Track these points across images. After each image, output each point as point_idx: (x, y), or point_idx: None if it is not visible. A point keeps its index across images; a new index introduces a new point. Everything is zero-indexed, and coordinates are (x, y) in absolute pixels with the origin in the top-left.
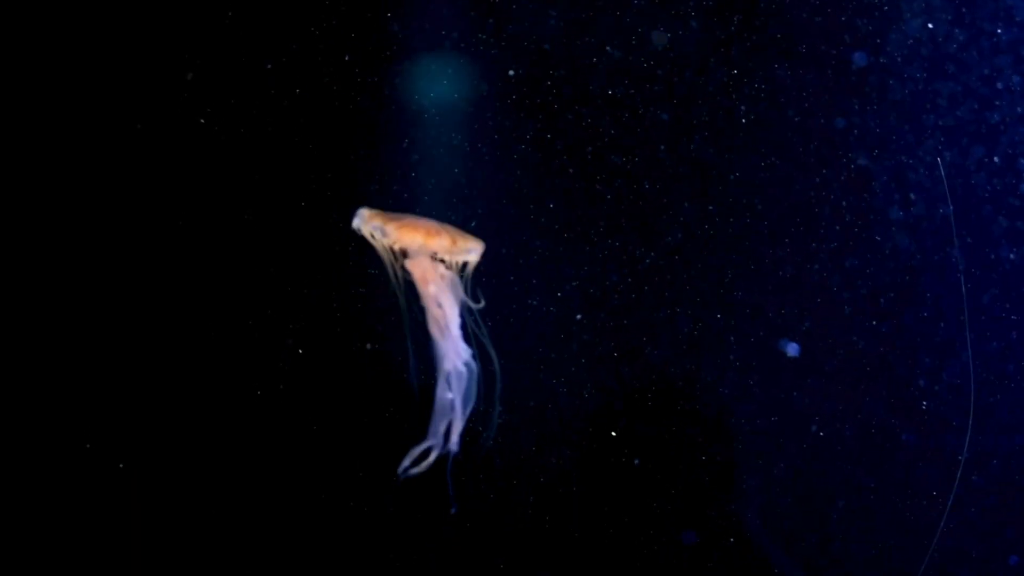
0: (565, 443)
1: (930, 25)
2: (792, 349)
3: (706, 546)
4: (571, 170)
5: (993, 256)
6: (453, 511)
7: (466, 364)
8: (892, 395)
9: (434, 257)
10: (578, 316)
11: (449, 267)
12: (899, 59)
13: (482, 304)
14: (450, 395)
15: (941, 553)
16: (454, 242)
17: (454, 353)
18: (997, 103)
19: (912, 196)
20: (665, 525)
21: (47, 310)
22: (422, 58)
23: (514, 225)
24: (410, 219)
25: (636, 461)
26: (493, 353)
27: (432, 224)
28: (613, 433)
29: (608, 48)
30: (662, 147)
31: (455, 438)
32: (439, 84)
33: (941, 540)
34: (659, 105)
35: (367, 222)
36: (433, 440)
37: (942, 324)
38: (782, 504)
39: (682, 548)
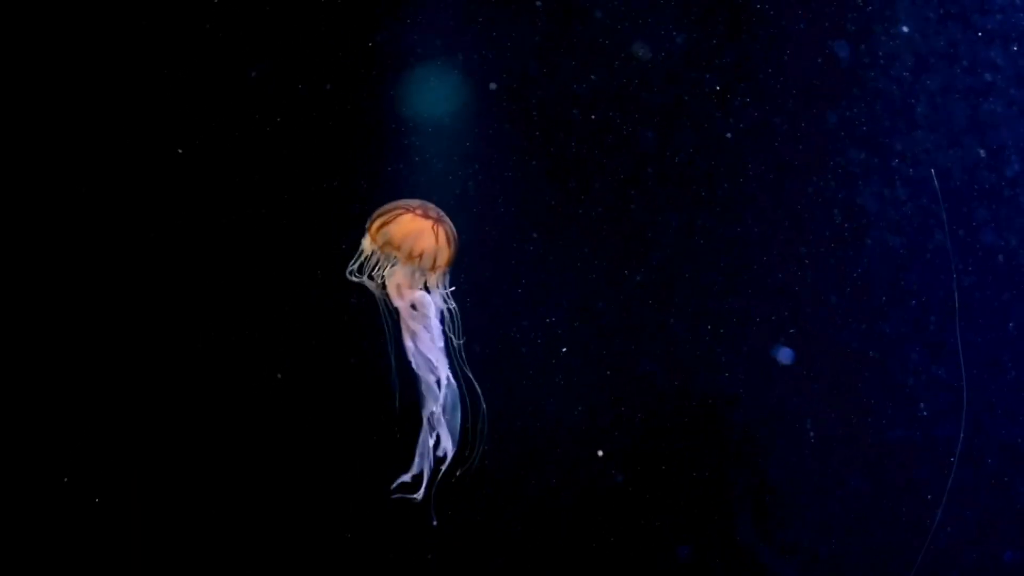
0: (555, 461)
1: (905, 29)
2: (784, 356)
3: (703, 560)
4: (555, 196)
5: (982, 252)
6: (434, 523)
7: (445, 378)
8: (886, 396)
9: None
10: (563, 349)
11: (427, 281)
12: (885, 58)
13: (459, 332)
14: (431, 408)
15: (935, 552)
16: (433, 265)
17: (432, 366)
18: (985, 95)
19: (900, 196)
20: (660, 540)
21: (32, 316)
22: (403, 83)
23: (500, 246)
24: (405, 219)
25: (619, 479)
26: (469, 371)
27: (426, 221)
28: (600, 452)
29: (592, 76)
30: (649, 169)
31: (447, 453)
32: (423, 106)
33: (935, 539)
34: (644, 123)
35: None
36: (420, 458)
37: (933, 318)
38: (776, 511)
39: (679, 563)
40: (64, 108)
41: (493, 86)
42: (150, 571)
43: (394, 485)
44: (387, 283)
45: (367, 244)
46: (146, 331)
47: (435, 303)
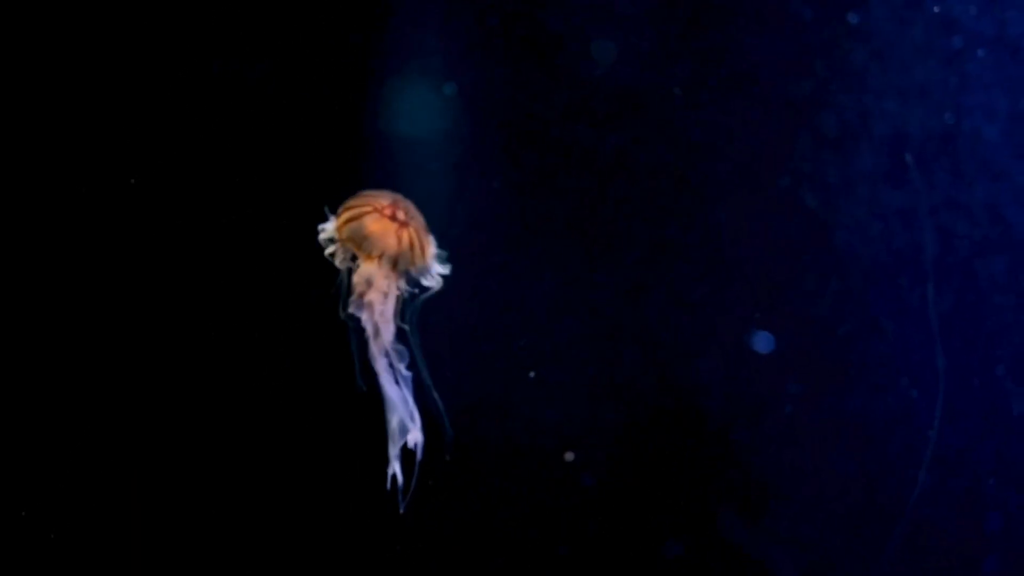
0: (531, 464)
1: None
2: (762, 344)
3: (690, 556)
4: (522, 199)
5: (956, 224)
6: (401, 511)
7: (403, 373)
8: (866, 374)
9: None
10: (531, 374)
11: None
12: (851, 33)
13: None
14: (393, 406)
15: (916, 528)
16: (395, 266)
17: (389, 364)
18: (955, 61)
19: (871, 171)
20: (646, 539)
21: (30, 323)
22: (374, 97)
23: (471, 250)
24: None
25: (599, 479)
26: (437, 374)
27: (391, 224)
28: (569, 456)
29: (555, 79)
30: (617, 167)
31: (414, 442)
32: (387, 116)
33: (915, 518)
34: (610, 121)
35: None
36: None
37: (908, 292)
38: (762, 501)
39: (665, 562)
40: (60, 108)
41: (449, 90)
42: (133, 564)
43: (388, 487)
44: (355, 276)
45: (333, 232)
46: (136, 329)
47: (394, 302)
